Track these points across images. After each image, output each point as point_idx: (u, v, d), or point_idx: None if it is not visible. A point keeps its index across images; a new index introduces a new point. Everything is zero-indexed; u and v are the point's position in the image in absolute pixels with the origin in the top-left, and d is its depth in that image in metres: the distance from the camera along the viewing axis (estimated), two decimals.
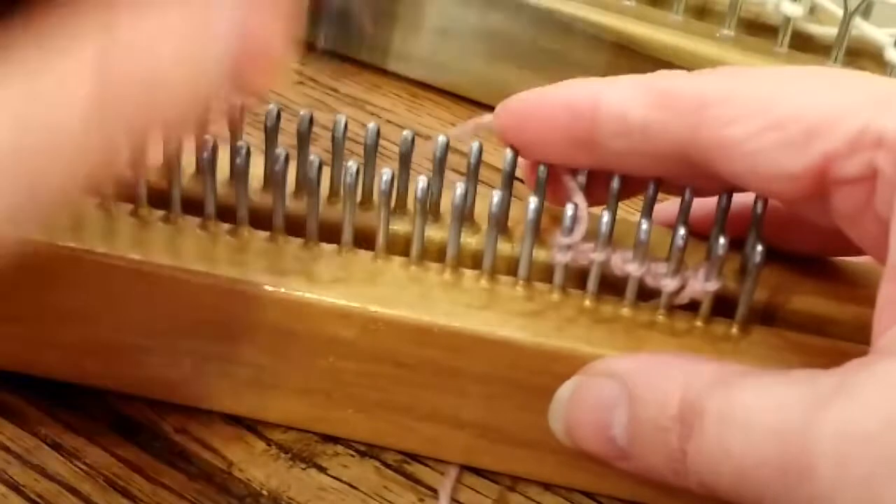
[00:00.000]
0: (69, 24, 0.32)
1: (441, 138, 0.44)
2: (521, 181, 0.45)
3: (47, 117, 0.31)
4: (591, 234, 0.42)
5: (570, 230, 0.42)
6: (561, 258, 0.42)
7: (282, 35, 0.35)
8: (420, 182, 0.42)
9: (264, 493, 0.44)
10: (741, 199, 0.44)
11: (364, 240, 0.44)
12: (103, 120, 0.31)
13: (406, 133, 0.44)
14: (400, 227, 0.45)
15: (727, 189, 0.43)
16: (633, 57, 0.60)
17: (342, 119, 0.44)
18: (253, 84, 0.35)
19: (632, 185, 0.44)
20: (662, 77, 0.41)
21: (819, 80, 0.40)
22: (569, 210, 0.42)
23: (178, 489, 0.44)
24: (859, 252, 0.42)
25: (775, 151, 0.38)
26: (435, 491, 0.45)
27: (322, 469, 0.45)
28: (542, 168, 0.43)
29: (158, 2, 0.33)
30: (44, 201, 0.32)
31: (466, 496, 0.45)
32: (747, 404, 0.35)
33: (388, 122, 0.64)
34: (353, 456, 0.45)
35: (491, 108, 0.63)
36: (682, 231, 0.42)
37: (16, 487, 0.43)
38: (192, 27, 0.33)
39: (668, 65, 0.59)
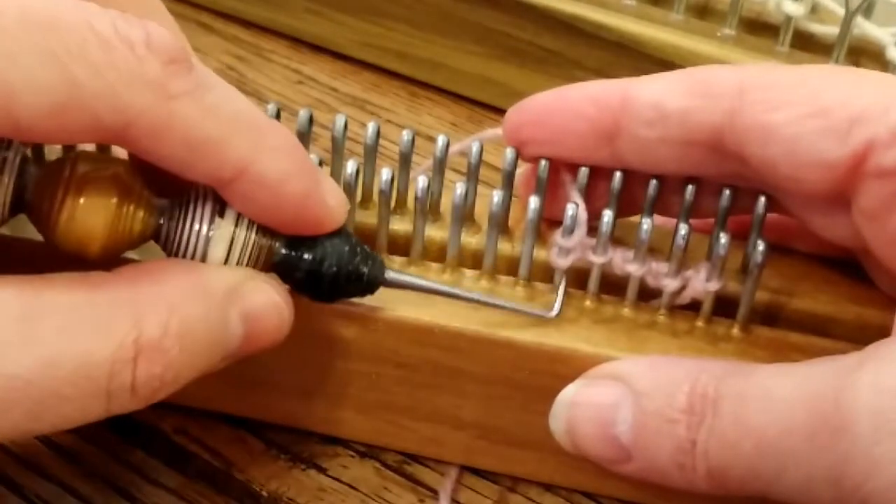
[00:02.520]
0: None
1: (441, 138, 0.44)
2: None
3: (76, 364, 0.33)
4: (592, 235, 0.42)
5: (571, 231, 0.42)
6: (562, 263, 0.42)
7: (285, 317, 0.39)
8: (420, 182, 0.42)
9: (264, 493, 0.44)
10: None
11: (364, 239, 0.44)
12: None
13: (406, 132, 0.44)
14: (400, 226, 0.44)
15: (749, 184, 0.43)
16: (633, 56, 0.60)
17: (342, 118, 0.44)
18: (246, 355, 0.39)
19: (633, 197, 0.44)
20: (699, 69, 0.42)
21: (860, 76, 0.40)
22: (569, 210, 0.42)
23: (178, 490, 0.44)
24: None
25: (816, 137, 0.38)
26: (435, 491, 0.44)
27: (322, 469, 0.45)
28: (542, 165, 0.43)
29: (185, 295, 0.36)
30: (39, 429, 0.34)
31: (466, 497, 0.45)
32: (766, 383, 0.36)
33: (388, 121, 0.64)
34: (352, 456, 0.45)
35: (491, 108, 0.64)
36: (683, 231, 0.41)
37: (15, 487, 0.43)
38: (213, 326, 0.36)
39: (669, 64, 0.58)
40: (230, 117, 0.36)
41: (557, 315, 0.42)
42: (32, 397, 0.33)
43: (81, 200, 0.36)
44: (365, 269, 0.40)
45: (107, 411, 0.34)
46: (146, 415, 0.45)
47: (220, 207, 0.38)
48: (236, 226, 0.38)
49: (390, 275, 0.41)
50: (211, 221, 0.38)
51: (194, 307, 0.36)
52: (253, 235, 0.38)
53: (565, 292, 0.42)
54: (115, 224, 0.36)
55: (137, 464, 0.45)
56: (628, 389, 0.39)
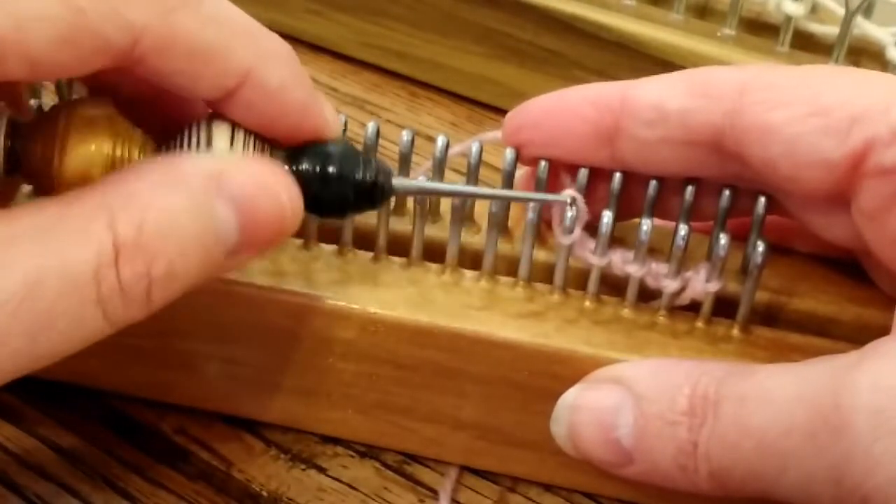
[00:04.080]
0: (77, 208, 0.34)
1: (441, 138, 0.44)
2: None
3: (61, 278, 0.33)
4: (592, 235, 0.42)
5: (571, 230, 0.42)
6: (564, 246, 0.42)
7: (283, 201, 0.37)
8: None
9: (264, 493, 0.44)
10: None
11: (364, 240, 0.44)
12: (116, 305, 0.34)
13: (405, 132, 0.44)
14: (399, 227, 0.44)
15: (749, 185, 0.43)
16: (633, 56, 0.60)
17: (342, 118, 0.44)
18: (259, 251, 0.37)
19: (633, 199, 0.44)
20: (699, 70, 0.42)
21: (860, 76, 0.40)
22: (568, 211, 0.42)
23: (177, 490, 0.44)
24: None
25: (816, 136, 0.38)
26: (435, 491, 0.44)
27: (322, 470, 0.45)
28: (542, 166, 0.43)
29: (157, 190, 0.35)
30: (42, 353, 0.33)
31: (466, 497, 0.45)
32: (766, 384, 0.36)
33: (388, 121, 0.64)
34: (352, 456, 0.45)
35: (491, 108, 0.64)
36: (682, 231, 0.41)
37: (15, 488, 0.43)
38: (196, 215, 0.35)
39: (669, 64, 0.58)
40: (228, 25, 0.36)
41: (573, 199, 0.42)
42: (25, 320, 0.32)
43: (79, 141, 0.36)
44: (371, 174, 0.39)
45: (107, 321, 0.34)
46: (146, 415, 0.46)
47: (209, 135, 0.38)
48: (232, 144, 0.38)
49: (398, 181, 0.40)
50: (207, 146, 0.38)
51: (169, 199, 0.35)
52: (251, 151, 0.38)
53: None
54: (112, 163, 0.36)
55: (137, 464, 0.45)
56: (629, 392, 0.39)
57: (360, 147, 0.41)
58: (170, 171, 0.36)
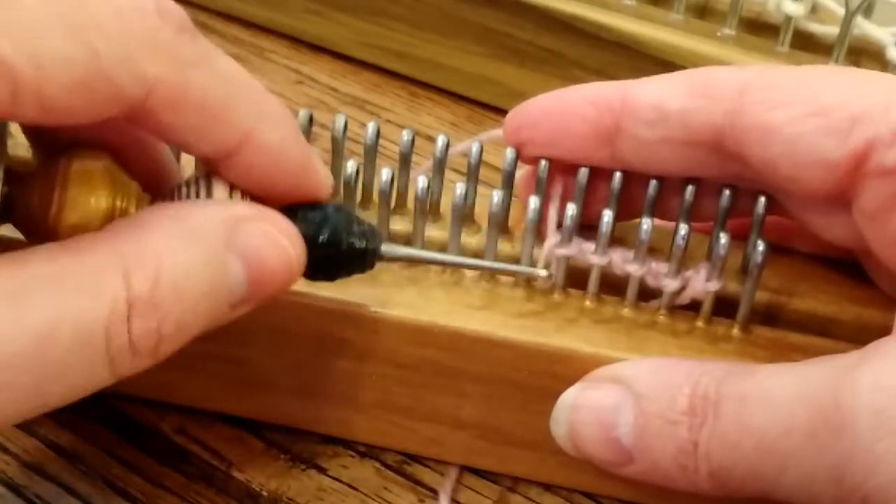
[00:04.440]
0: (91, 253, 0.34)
1: (441, 138, 0.44)
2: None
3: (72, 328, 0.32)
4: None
5: (569, 239, 0.42)
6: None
7: (291, 255, 0.37)
8: (420, 182, 0.42)
9: (264, 493, 0.44)
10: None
11: None
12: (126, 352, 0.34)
13: (406, 132, 0.44)
14: (400, 226, 0.44)
15: (750, 185, 0.43)
16: (633, 56, 0.60)
17: (342, 118, 0.44)
18: (261, 302, 0.37)
19: (633, 199, 0.44)
20: (700, 70, 0.42)
21: (861, 76, 0.40)
22: (569, 214, 0.42)
23: (178, 490, 0.44)
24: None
25: (816, 136, 0.38)
26: (435, 491, 0.45)
27: (322, 470, 0.45)
28: (542, 165, 0.43)
29: (171, 242, 0.35)
30: (46, 403, 0.33)
31: (466, 497, 0.45)
32: (767, 383, 0.36)
33: (388, 121, 0.64)
34: (352, 456, 0.45)
35: (491, 108, 0.64)
36: (683, 231, 0.41)
37: (15, 488, 0.43)
38: (210, 271, 0.35)
39: (669, 64, 0.58)
40: (236, 83, 0.36)
41: (548, 275, 0.42)
42: (34, 373, 0.32)
43: (78, 194, 0.36)
44: (363, 241, 0.39)
45: (113, 374, 0.34)
46: (146, 415, 0.46)
47: (209, 191, 0.38)
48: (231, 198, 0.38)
49: (387, 248, 0.40)
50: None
51: (184, 253, 0.34)
52: None
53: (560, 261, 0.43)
54: (111, 215, 0.36)
55: (137, 464, 0.45)
56: (629, 392, 0.39)
57: (356, 151, 0.41)
58: (182, 220, 0.35)
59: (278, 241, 0.37)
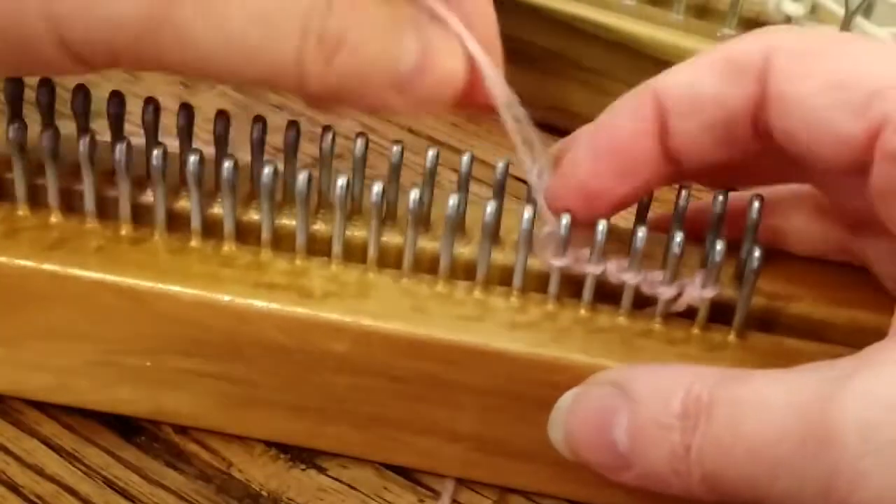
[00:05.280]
0: None
1: (431, 151, 0.44)
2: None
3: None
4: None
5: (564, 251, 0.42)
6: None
7: (456, 74, 0.38)
8: (412, 193, 0.42)
9: (264, 493, 0.44)
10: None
11: (355, 252, 0.44)
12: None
13: (395, 147, 0.44)
14: (391, 238, 0.44)
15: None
16: (633, 56, 0.60)
17: (329, 134, 0.44)
18: (415, 102, 0.38)
19: None
20: (721, 47, 0.41)
21: (887, 49, 0.40)
22: (562, 223, 0.41)
23: (177, 490, 0.44)
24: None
25: (834, 110, 0.38)
26: (435, 491, 0.45)
27: (321, 470, 0.45)
28: (534, 172, 0.43)
29: None
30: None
31: (466, 497, 0.45)
32: (761, 390, 0.36)
33: (388, 121, 0.63)
34: (352, 457, 0.45)
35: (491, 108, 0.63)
36: (678, 238, 0.41)
37: (14, 488, 0.44)
38: (389, 25, 0.37)
39: (669, 64, 0.58)
40: None
41: None
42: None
43: None
44: None
45: (297, 60, 0.36)
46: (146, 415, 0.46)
47: None
48: None
49: None
50: None
51: (380, 4, 0.37)
52: None
53: None
54: None
55: (137, 464, 0.45)
56: (624, 396, 0.38)
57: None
58: None
59: (458, 57, 0.38)
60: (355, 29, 0.36)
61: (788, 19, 0.59)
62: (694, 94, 0.40)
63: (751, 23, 0.61)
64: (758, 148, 0.41)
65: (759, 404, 0.36)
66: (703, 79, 0.40)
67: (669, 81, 0.41)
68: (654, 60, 0.59)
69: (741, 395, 0.36)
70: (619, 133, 0.42)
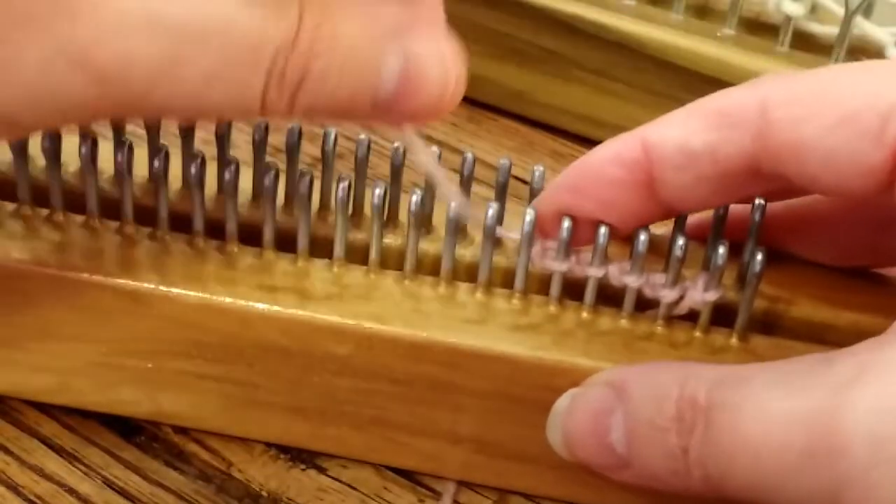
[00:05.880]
0: None
1: (433, 150, 0.44)
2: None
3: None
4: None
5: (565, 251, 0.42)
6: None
7: (450, 84, 0.36)
8: (413, 195, 0.42)
9: (263, 493, 0.44)
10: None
11: (357, 254, 0.44)
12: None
13: (396, 145, 0.44)
14: (393, 240, 0.44)
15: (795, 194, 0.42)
16: (633, 56, 0.60)
17: (332, 132, 0.44)
18: (404, 118, 0.36)
19: None
20: (712, 98, 0.40)
21: (880, 70, 0.39)
22: (564, 226, 0.41)
23: (177, 490, 0.44)
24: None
25: (850, 145, 0.37)
26: (435, 491, 0.45)
27: (322, 470, 0.45)
28: (539, 169, 0.43)
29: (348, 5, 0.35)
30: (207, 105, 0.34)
31: (467, 497, 0.45)
32: (760, 394, 0.36)
33: None
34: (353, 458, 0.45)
35: (491, 108, 0.64)
36: (680, 241, 0.41)
37: (14, 488, 0.44)
38: (368, 41, 0.35)
39: (669, 64, 0.58)
40: None
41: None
42: (209, 58, 0.33)
43: None
44: None
45: (260, 103, 0.34)
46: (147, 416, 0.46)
47: None
48: None
49: None
50: None
51: (352, 17, 0.34)
52: None
53: None
54: None
55: (137, 464, 0.45)
56: (619, 396, 0.38)
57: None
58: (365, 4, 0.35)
59: (443, 55, 0.36)
60: (323, 59, 0.34)
61: (788, 19, 0.58)
62: (686, 150, 0.40)
63: (751, 23, 0.61)
64: (759, 191, 0.41)
65: (762, 410, 0.35)
66: (693, 132, 0.40)
67: (661, 134, 0.40)
68: (654, 60, 0.59)
69: (742, 400, 0.36)
70: (600, 178, 0.41)
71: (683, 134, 0.40)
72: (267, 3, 0.33)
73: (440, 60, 0.36)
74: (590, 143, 0.51)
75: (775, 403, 0.35)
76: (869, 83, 0.38)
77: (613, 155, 0.41)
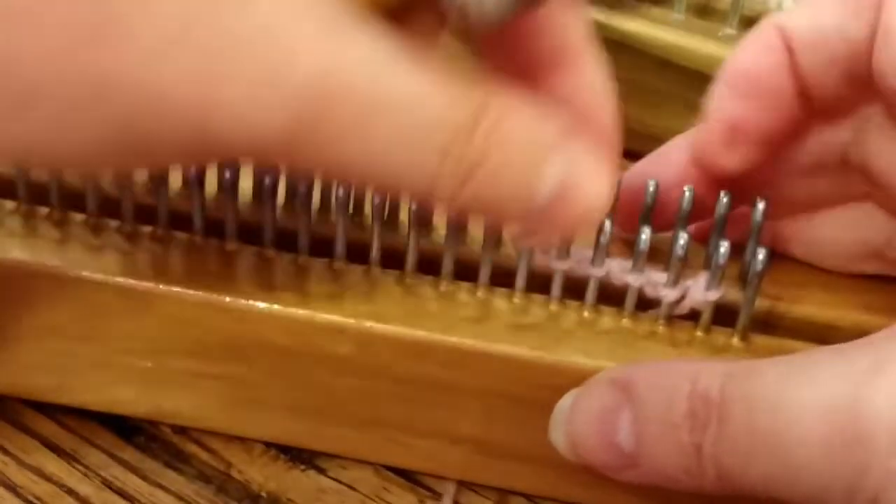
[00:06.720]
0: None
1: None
2: None
3: None
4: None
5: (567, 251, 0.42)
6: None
7: (600, 200, 0.35)
8: None
9: (263, 494, 0.44)
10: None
11: (357, 254, 0.43)
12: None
13: None
14: (393, 239, 0.44)
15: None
16: (633, 56, 0.59)
17: None
18: (553, 229, 0.36)
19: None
20: None
21: None
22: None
23: (176, 491, 0.44)
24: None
25: None
26: (434, 492, 0.45)
27: (321, 470, 0.45)
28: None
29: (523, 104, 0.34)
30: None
31: (467, 498, 0.45)
32: (777, 387, 0.35)
33: None
34: (353, 458, 0.45)
35: None
36: (681, 240, 0.41)
37: (13, 488, 0.43)
38: (533, 146, 0.34)
39: (669, 64, 0.58)
40: None
41: None
42: (389, 128, 0.32)
43: None
44: None
45: (431, 180, 0.33)
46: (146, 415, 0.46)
47: None
48: None
49: None
50: None
51: (527, 121, 0.34)
52: None
53: None
54: None
55: (137, 464, 0.45)
56: (626, 394, 0.38)
57: None
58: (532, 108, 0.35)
59: (601, 181, 0.35)
60: (496, 152, 0.34)
61: None
62: (818, 29, 0.41)
63: (752, 22, 0.60)
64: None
65: (777, 403, 0.35)
66: (825, 12, 0.41)
67: (793, 17, 0.41)
68: (654, 60, 0.59)
69: (756, 393, 0.36)
70: (755, 69, 0.42)
71: (815, 14, 0.41)
72: (454, 85, 0.33)
73: (596, 177, 0.36)
74: None
75: (791, 397, 0.35)
76: None
77: (761, 45, 0.42)
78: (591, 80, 0.38)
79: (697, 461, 0.36)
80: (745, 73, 0.42)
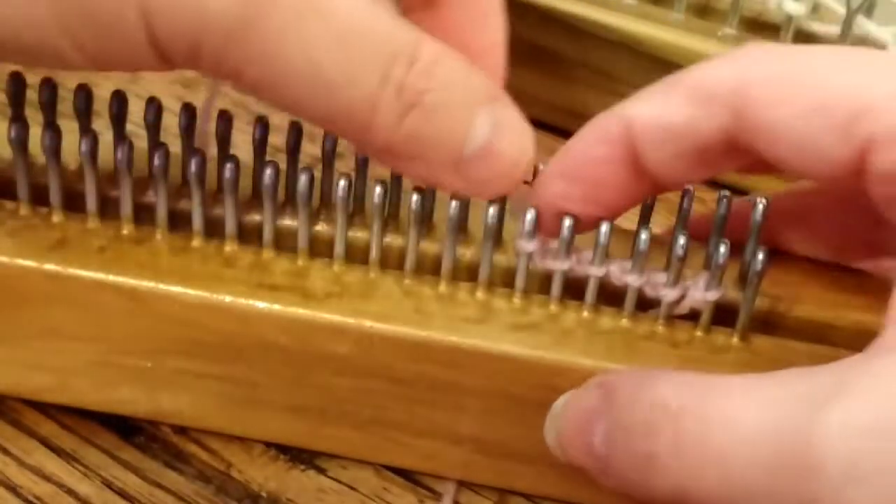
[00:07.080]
0: None
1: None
2: None
3: None
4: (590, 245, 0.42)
5: (531, 234, 0.42)
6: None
7: (525, 156, 0.38)
8: (414, 194, 0.42)
9: (263, 494, 0.44)
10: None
11: (358, 253, 0.43)
12: None
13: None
14: (394, 239, 0.44)
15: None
16: (633, 56, 0.60)
17: (331, 134, 0.43)
18: (479, 182, 0.38)
19: None
20: (689, 73, 0.40)
21: (870, 61, 0.39)
22: (566, 225, 0.41)
23: (176, 491, 0.44)
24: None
25: (819, 135, 0.37)
26: (434, 492, 0.45)
27: (321, 470, 0.45)
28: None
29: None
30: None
31: (467, 498, 0.45)
32: (734, 403, 0.34)
33: None
34: (353, 458, 0.45)
35: None
36: (681, 240, 0.41)
37: (13, 488, 0.43)
38: (463, 91, 0.36)
39: (669, 64, 0.58)
40: None
41: None
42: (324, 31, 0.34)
43: None
44: None
45: (371, 107, 0.35)
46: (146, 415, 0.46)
47: None
48: None
49: None
50: None
51: (459, 71, 0.36)
52: None
53: None
54: None
55: (137, 464, 0.45)
56: (607, 400, 0.38)
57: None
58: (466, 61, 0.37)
59: (524, 136, 0.38)
60: (435, 91, 0.35)
61: (790, 19, 0.58)
62: (664, 125, 0.39)
63: (752, 22, 0.61)
64: (739, 166, 0.41)
65: (731, 421, 0.34)
66: (673, 108, 0.39)
67: (639, 110, 0.40)
68: (654, 60, 0.59)
69: (712, 409, 0.35)
70: (587, 159, 0.41)
71: (662, 110, 0.40)
72: (395, 17, 0.34)
73: (521, 133, 0.37)
74: None
75: (747, 415, 0.34)
76: (848, 73, 0.38)
77: (597, 135, 0.41)
78: (485, 10, 0.40)
79: (650, 472, 0.36)
80: (577, 164, 0.41)
